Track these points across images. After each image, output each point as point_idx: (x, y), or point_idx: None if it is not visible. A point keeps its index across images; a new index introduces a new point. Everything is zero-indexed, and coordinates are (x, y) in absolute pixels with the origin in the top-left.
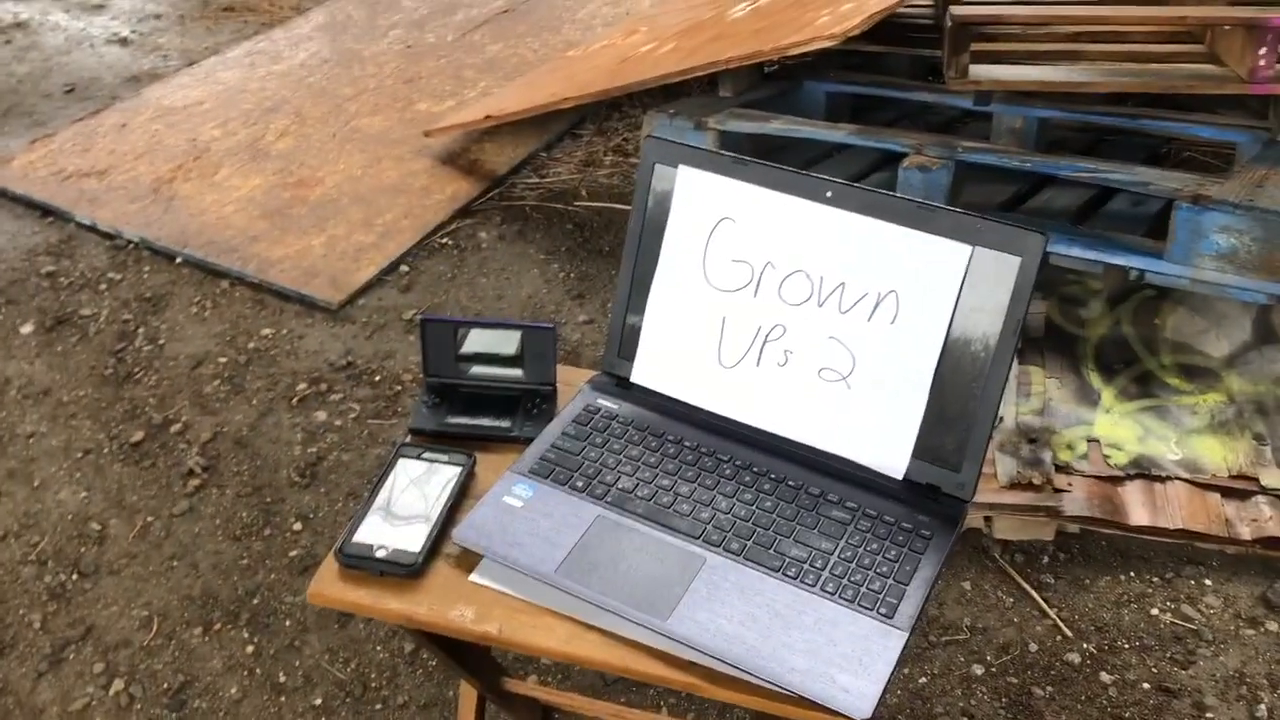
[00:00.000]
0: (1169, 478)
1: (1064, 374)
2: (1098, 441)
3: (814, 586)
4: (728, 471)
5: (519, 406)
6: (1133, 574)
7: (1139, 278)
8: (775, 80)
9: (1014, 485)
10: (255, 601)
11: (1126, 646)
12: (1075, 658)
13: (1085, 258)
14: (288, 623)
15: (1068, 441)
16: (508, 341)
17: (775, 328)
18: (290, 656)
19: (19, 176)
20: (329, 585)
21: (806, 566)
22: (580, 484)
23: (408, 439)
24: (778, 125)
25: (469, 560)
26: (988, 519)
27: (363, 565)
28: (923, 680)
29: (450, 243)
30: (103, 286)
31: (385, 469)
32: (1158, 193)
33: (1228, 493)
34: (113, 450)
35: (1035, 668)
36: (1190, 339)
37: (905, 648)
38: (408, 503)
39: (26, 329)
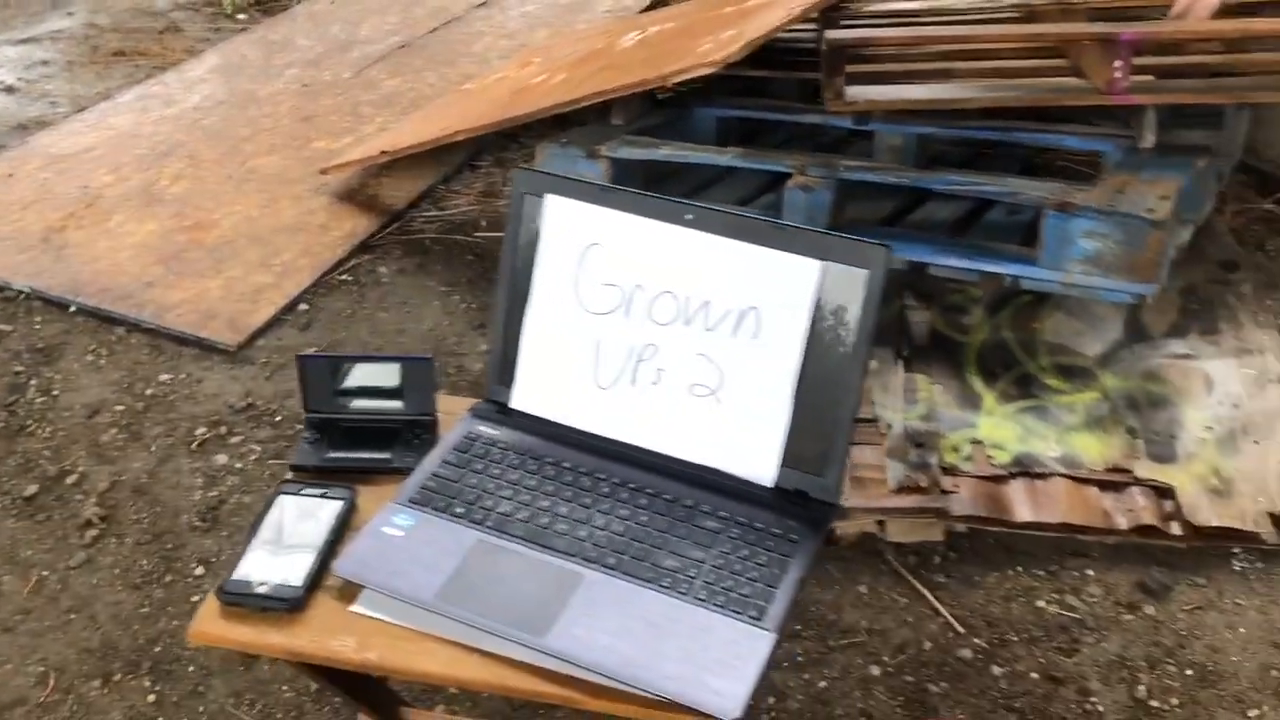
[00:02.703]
0: (1050, 474)
1: (948, 380)
2: (981, 443)
3: (687, 595)
4: (605, 489)
5: (400, 438)
6: (1020, 568)
7: (1014, 284)
8: (667, 107)
9: (903, 489)
10: (157, 649)
11: (1015, 639)
12: (967, 653)
13: (962, 267)
14: (191, 669)
15: (953, 444)
16: (388, 375)
17: (647, 347)
18: (194, 703)
19: None
20: (210, 623)
21: (680, 576)
22: (460, 510)
23: (289, 476)
24: (666, 151)
25: (351, 592)
26: (880, 523)
27: (243, 602)
28: (822, 684)
29: (350, 279)
30: None
31: (266, 507)
32: (1027, 201)
33: (1105, 485)
34: (4, 506)
35: (930, 665)
36: (1066, 340)
37: (774, 647)
38: (289, 540)
39: None
